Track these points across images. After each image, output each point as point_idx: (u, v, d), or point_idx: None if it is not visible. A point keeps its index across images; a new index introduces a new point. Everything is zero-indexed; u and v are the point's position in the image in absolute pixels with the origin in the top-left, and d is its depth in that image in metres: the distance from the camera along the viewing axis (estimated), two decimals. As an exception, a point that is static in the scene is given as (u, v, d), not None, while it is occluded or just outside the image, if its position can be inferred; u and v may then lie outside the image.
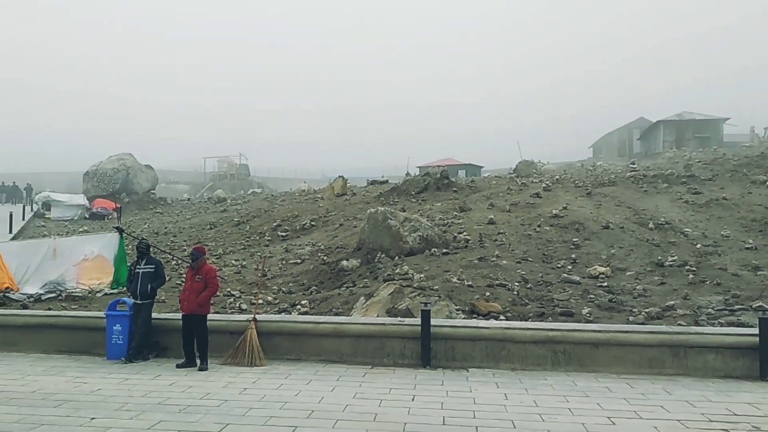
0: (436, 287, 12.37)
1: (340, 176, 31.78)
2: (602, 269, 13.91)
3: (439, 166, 46.70)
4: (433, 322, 9.71)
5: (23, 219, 34.24)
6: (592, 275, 13.61)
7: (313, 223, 23.66)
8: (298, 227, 23.45)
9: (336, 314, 11.85)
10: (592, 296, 12.15)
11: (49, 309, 12.94)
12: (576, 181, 25.74)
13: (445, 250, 15.60)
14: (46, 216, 37.11)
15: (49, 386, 8.51)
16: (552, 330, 9.60)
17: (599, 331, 9.53)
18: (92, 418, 7.00)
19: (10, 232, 27.41)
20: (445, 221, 19.12)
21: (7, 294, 14.17)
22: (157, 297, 11.07)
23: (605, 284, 13.02)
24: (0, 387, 8.45)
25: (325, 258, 17.32)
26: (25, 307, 13.46)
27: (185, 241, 23.28)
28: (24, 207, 39.56)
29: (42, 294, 14.59)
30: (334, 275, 15.57)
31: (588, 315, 11.12)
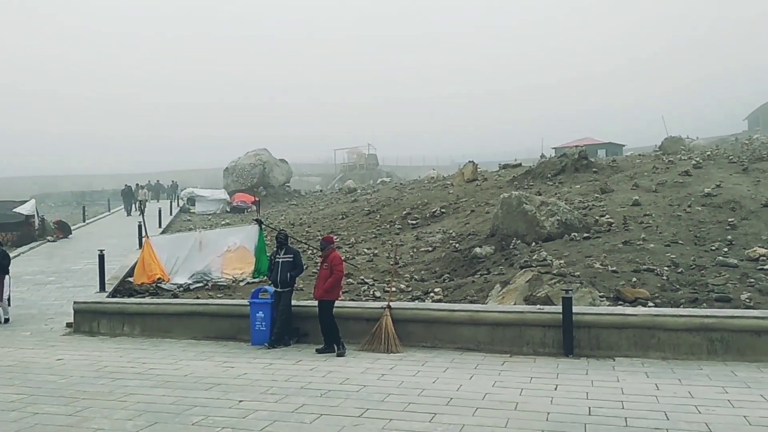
0: (577, 273, 11.94)
1: (470, 161, 31.46)
2: (763, 251, 12.75)
3: (576, 146, 44.88)
4: (575, 309, 9.41)
5: (171, 214, 37.19)
6: (751, 258, 12.51)
7: (443, 210, 23.65)
8: (428, 215, 23.54)
9: (470, 302, 11.79)
10: (752, 280, 11.17)
11: (197, 298, 13.94)
12: (730, 157, 23.76)
13: (585, 235, 14.99)
14: (191, 211, 40.07)
15: (200, 370, 9.17)
16: (707, 317, 8.98)
17: (762, 318, 8.78)
18: (240, 401, 7.46)
19: (160, 226, 29.81)
20: (585, 204, 18.38)
21: (159, 284, 15.42)
22: (295, 285, 11.57)
23: (767, 267, 11.94)
24: (156, 371, 9.23)
25: (456, 245, 17.26)
26: (175, 296, 14.59)
27: (319, 231, 24.13)
28: (171, 203, 42.95)
29: (190, 284, 15.73)
30: (467, 262, 15.48)
31: (748, 300, 10.25)
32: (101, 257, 15.50)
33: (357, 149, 75.64)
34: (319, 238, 22.16)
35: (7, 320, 13.61)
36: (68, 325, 12.96)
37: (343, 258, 11.50)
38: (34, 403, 7.58)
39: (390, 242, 19.73)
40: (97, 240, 25.80)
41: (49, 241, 26.89)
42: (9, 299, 14.01)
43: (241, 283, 15.58)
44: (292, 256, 11.13)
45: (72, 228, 29.71)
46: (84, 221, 35.75)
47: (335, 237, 17.61)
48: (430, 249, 17.84)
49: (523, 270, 12.38)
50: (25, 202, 28.23)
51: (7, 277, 13.73)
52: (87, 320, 12.61)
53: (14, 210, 26.74)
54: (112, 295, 14.64)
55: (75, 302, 13.07)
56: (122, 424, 6.71)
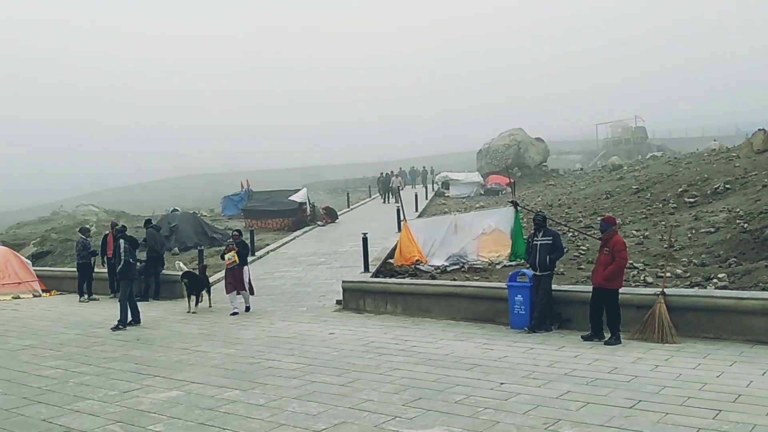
0: None
1: (760, 129, 27.91)
2: None
3: None
4: None
5: (426, 198, 38.95)
6: None
7: (727, 186, 21.41)
8: (708, 192, 21.51)
9: (763, 289, 10.54)
10: None
11: (454, 279, 14.45)
12: None
13: None
14: (446, 194, 41.52)
15: (460, 350, 9.52)
16: None
17: None
18: (501, 383, 7.61)
19: (416, 210, 31.39)
20: None
21: (417, 266, 16.29)
22: (555, 269, 11.40)
23: None
24: (419, 348, 9.79)
25: (745, 225, 15.53)
26: (433, 277, 15.29)
27: (580, 212, 23.43)
28: (426, 187, 44.95)
29: (447, 266, 16.35)
30: (758, 245, 13.85)
31: None
32: (365, 240, 16.82)
33: (622, 122, 71.68)
34: (581, 219, 21.67)
35: (247, 308, 14.02)
36: (338, 302, 14.32)
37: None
38: (312, 372, 8.54)
39: (663, 223, 18.45)
40: (360, 224, 28.00)
41: (318, 225, 29.89)
42: (251, 287, 14.40)
43: (497, 266, 15.77)
44: (551, 238, 10.97)
45: (338, 213, 32.69)
46: (348, 207, 39.09)
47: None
48: (711, 230, 16.31)
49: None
50: (298, 190, 31.68)
51: (246, 267, 14.19)
52: (354, 298, 13.81)
53: (290, 198, 30.20)
54: (375, 275, 15.82)
55: (343, 281, 14.38)
56: (389, 397, 7.26)
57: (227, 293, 14.16)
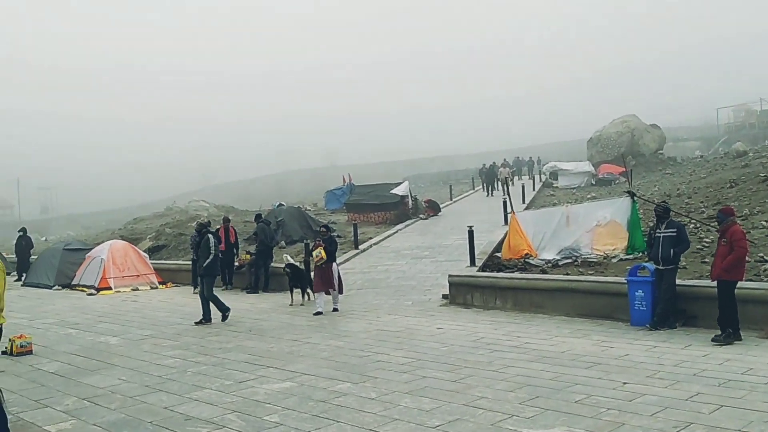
0: None
1: None
2: None
3: None
4: None
5: (533, 189, 38.13)
6: None
7: None
8: None
9: None
10: None
11: (567, 274, 14.03)
12: None
13: None
14: (554, 185, 40.48)
15: (577, 348, 9.23)
16: None
17: None
18: (624, 383, 7.30)
19: (523, 202, 30.77)
20: None
21: (526, 260, 15.94)
22: (679, 263, 10.84)
23: None
24: (532, 345, 9.57)
25: None
26: (543, 272, 14.90)
27: (702, 202, 22.16)
28: (533, 178, 44.01)
29: (558, 260, 15.89)
30: None
31: None
32: (470, 233, 16.63)
33: (745, 106, 67.32)
34: (702, 210, 20.49)
35: (335, 309, 13.50)
36: (444, 296, 14.25)
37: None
38: (422, 368, 8.52)
39: (797, 213, 17.15)
40: (464, 217, 27.77)
41: (421, 218, 29.89)
42: (341, 286, 14.04)
43: (613, 260, 15.17)
44: (675, 230, 10.43)
45: (440, 206, 32.57)
46: (451, 199, 38.89)
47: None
48: None
49: None
50: (400, 183, 31.79)
51: (335, 264, 13.78)
52: (461, 293, 13.69)
53: (391, 191, 30.37)
54: (482, 269, 15.61)
55: (450, 275, 14.29)
56: (504, 394, 7.12)
57: (314, 292, 13.82)
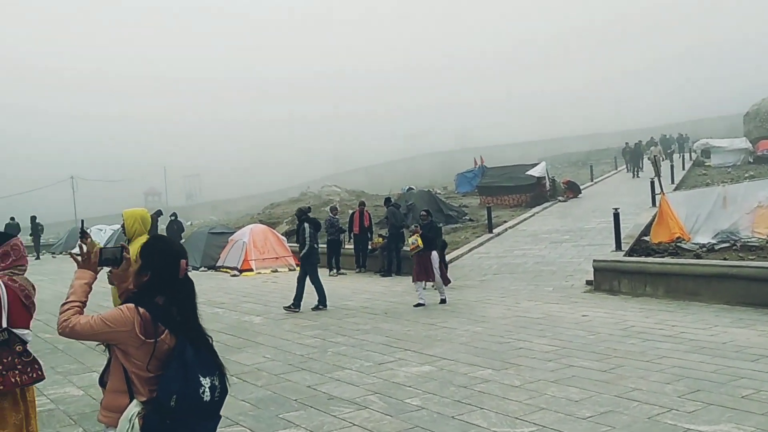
0: None
1: None
2: None
3: None
4: None
5: (683, 169, 35.99)
6: None
7: None
8: None
9: None
10: None
11: (725, 259, 13.10)
12: None
13: None
14: (706, 164, 37.99)
15: (740, 339, 8.58)
16: None
17: None
18: (799, 379, 6.69)
19: (672, 182, 29.11)
20: None
21: (678, 244, 15.04)
22: None
23: None
24: (688, 335, 9.00)
25: None
26: (697, 256, 14.01)
27: None
28: (682, 156, 41.54)
29: (714, 243, 14.88)
30: None
31: None
32: (616, 215, 15.91)
33: None
34: None
35: (442, 301, 12.81)
36: (588, 282, 13.74)
37: None
38: (568, 356, 8.23)
39: None
40: (607, 198, 26.74)
41: (559, 200, 29.08)
42: (445, 276, 13.44)
43: (780, 244, 14.00)
44: None
45: (581, 187, 31.50)
46: (592, 180, 37.51)
47: None
48: None
49: None
50: (536, 164, 31.04)
51: (434, 253, 13.03)
52: (607, 279, 13.14)
53: (527, 173, 29.72)
54: (629, 253, 14.91)
55: (594, 260, 13.75)
56: (660, 387, 6.73)
57: (413, 281, 13.17)
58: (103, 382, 3.28)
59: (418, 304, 12.46)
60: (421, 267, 12.90)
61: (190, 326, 3.21)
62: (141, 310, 3.06)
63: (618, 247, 15.43)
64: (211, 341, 3.29)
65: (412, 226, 13.72)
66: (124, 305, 3.12)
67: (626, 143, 43.45)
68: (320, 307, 12.78)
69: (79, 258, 3.29)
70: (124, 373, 3.10)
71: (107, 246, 3.47)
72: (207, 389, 3.04)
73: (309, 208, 15.16)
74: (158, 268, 3.20)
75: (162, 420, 2.98)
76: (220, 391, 3.13)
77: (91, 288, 3.26)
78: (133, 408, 3.04)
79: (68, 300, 3.15)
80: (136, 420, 3.01)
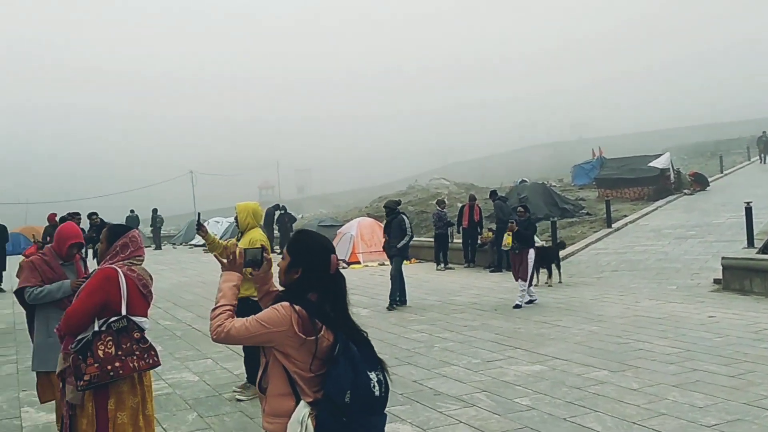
0: None
1: None
2: None
3: None
4: None
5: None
6: None
7: None
8: None
9: None
10: None
11: None
12: None
13: None
14: None
15: None
16: None
17: None
18: None
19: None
20: None
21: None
22: None
23: None
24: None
25: None
26: None
27: None
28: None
29: None
30: None
31: None
32: (748, 210, 14.94)
33: None
34: None
35: (530, 302, 12.26)
36: (715, 281, 12.99)
37: None
38: (691, 359, 7.79)
39: None
40: (738, 191, 25.19)
41: (685, 194, 27.66)
42: (525, 274, 12.27)
43: None
44: None
45: (709, 180, 29.84)
46: (721, 172, 35.44)
47: None
48: None
49: None
50: (660, 155, 29.64)
51: (531, 251, 12.37)
52: (737, 277, 12.36)
53: (649, 164, 28.44)
54: (762, 251, 13.98)
55: (723, 258, 12.98)
56: (797, 395, 6.24)
57: (516, 280, 12.52)
58: (262, 388, 3.15)
59: (516, 306, 11.94)
60: (515, 266, 12.50)
61: (346, 322, 3.15)
62: (297, 307, 2.97)
63: (750, 243, 14.52)
64: (366, 336, 3.21)
65: (509, 222, 13.21)
66: (278, 304, 3.03)
67: (764, 131, 40.65)
68: (395, 306, 12.51)
69: (224, 260, 3.23)
70: (287, 374, 3.01)
71: (248, 248, 3.39)
72: (375, 383, 2.98)
73: (399, 201, 14.98)
74: (310, 264, 3.11)
75: (337, 419, 2.88)
76: (386, 386, 3.06)
77: (239, 290, 3.19)
78: (303, 409, 2.94)
79: (219, 304, 3.09)
80: (309, 421, 2.91)
